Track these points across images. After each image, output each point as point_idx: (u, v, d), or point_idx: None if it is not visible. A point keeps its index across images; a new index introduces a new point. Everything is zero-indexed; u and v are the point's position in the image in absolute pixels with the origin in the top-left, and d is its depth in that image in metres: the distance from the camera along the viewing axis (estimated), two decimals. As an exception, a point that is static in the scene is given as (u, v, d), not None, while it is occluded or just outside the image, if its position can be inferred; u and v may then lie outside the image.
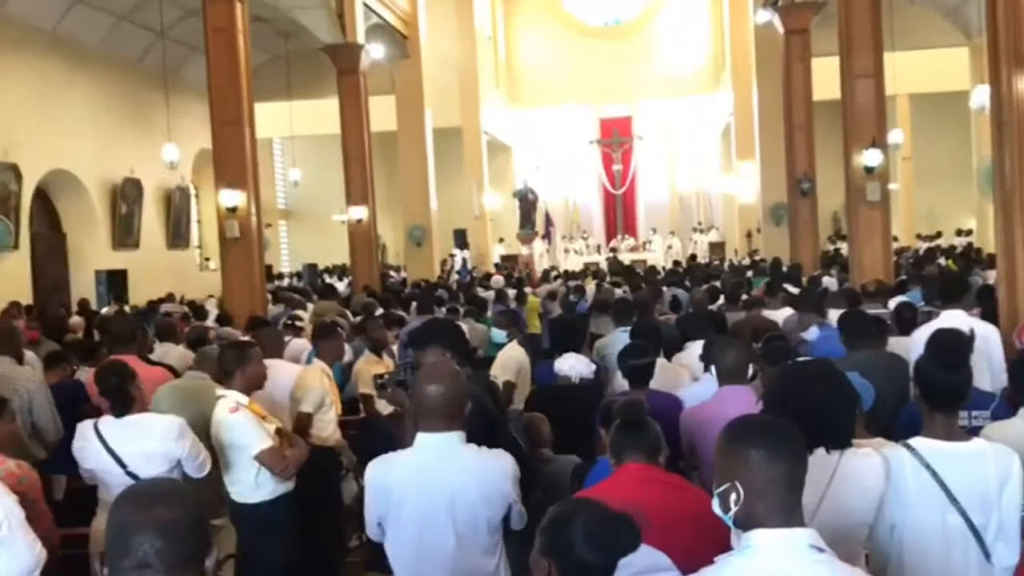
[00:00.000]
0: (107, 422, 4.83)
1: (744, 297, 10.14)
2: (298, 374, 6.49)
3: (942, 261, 16.86)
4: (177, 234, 23.13)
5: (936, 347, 3.46)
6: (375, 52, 20.29)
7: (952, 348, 3.46)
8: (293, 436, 5.54)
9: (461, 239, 27.77)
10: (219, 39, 12.93)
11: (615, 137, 33.48)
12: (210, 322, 12.09)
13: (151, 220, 21.93)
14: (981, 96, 15.45)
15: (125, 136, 20.57)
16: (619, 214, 33.76)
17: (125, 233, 20.68)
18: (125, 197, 20.53)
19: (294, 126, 23.42)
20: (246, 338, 6.77)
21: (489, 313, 11.91)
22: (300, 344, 8.44)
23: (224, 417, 5.08)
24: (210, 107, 13.13)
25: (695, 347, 6.33)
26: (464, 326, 8.39)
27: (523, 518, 3.53)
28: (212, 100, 13.08)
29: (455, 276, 23.97)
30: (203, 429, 5.19)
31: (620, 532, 2.34)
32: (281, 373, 6.43)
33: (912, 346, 5.57)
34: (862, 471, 3.14)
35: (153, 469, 4.61)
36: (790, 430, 2.42)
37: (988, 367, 5.45)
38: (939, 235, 24.87)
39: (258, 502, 5.18)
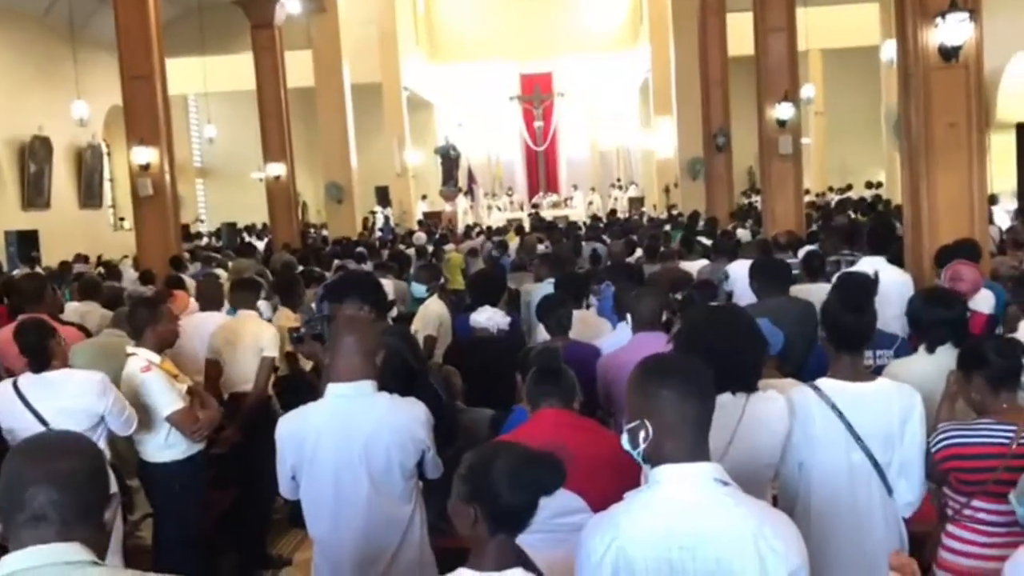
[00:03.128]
0: (27, 379, 4.75)
1: (662, 250, 10.32)
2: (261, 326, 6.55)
3: (851, 213, 17.28)
4: (89, 193, 22.51)
5: (842, 290, 3.56)
6: (290, 6, 19.84)
7: (857, 290, 3.55)
8: (206, 396, 5.46)
9: (383, 196, 27.55)
10: (127, -9, 12.55)
11: (536, 94, 33.45)
12: (129, 282, 11.88)
13: (62, 179, 21.29)
14: (891, 50, 15.79)
15: (32, 92, 19.87)
16: (541, 170, 33.83)
17: (35, 193, 20.06)
18: (34, 155, 19.89)
19: (208, 82, 22.87)
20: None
21: (412, 270, 11.90)
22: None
23: (136, 376, 5.01)
24: (119, 61, 12.76)
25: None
26: (386, 282, 8.38)
27: (438, 466, 3.59)
28: (121, 54, 12.70)
29: (378, 233, 23.83)
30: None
31: (543, 470, 2.35)
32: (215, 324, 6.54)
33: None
34: (768, 414, 3.22)
35: (75, 426, 4.46)
36: (699, 368, 2.48)
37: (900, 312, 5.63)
38: (849, 188, 25.40)
39: (168, 461, 5.13)
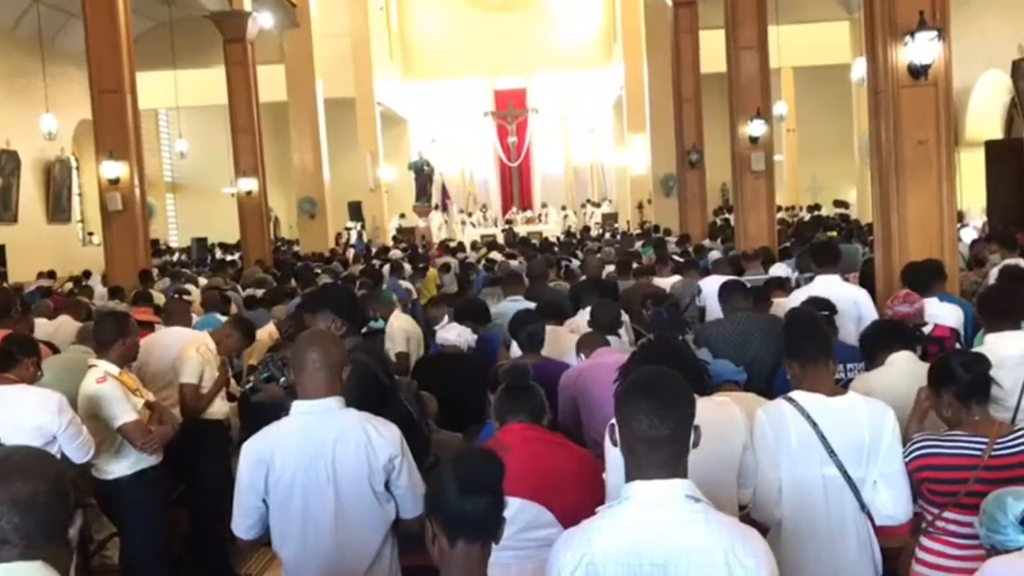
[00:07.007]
0: None
1: (635, 266, 10.36)
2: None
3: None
4: (58, 208, 22.23)
5: (793, 321, 3.75)
6: (263, 20, 19.86)
7: (808, 321, 3.72)
8: (166, 411, 5.43)
9: (356, 212, 27.48)
10: (98, 4, 12.46)
11: (510, 109, 33.56)
12: (98, 298, 11.79)
13: (30, 193, 21.00)
14: (861, 68, 15.94)
15: (-1, 106, 19.67)
16: (515, 186, 33.88)
17: (2, 207, 19.80)
18: (1, 169, 19.65)
19: (180, 96, 22.69)
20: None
21: (385, 286, 11.85)
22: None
23: (90, 388, 4.98)
24: (89, 75, 12.68)
25: (585, 313, 6.51)
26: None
27: (416, 501, 3.29)
28: (91, 68, 12.63)
29: (351, 250, 23.74)
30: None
31: (482, 466, 2.30)
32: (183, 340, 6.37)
33: (789, 306, 5.90)
34: (712, 411, 3.22)
35: (25, 442, 4.29)
36: (676, 383, 2.46)
37: (857, 327, 5.74)
38: (818, 207, 25.52)
39: (118, 477, 5.08)
